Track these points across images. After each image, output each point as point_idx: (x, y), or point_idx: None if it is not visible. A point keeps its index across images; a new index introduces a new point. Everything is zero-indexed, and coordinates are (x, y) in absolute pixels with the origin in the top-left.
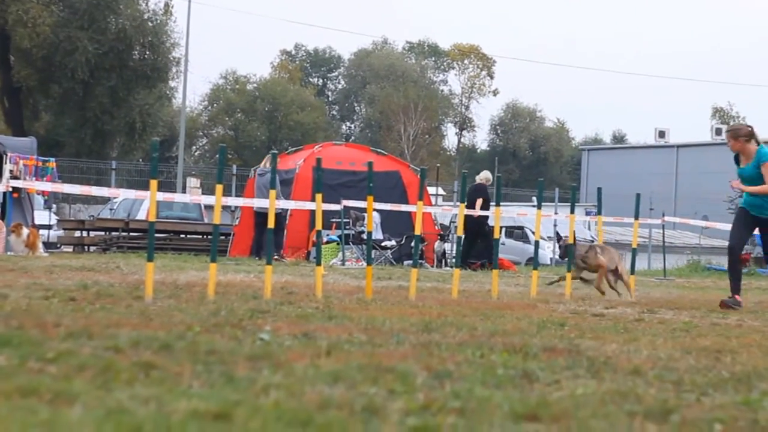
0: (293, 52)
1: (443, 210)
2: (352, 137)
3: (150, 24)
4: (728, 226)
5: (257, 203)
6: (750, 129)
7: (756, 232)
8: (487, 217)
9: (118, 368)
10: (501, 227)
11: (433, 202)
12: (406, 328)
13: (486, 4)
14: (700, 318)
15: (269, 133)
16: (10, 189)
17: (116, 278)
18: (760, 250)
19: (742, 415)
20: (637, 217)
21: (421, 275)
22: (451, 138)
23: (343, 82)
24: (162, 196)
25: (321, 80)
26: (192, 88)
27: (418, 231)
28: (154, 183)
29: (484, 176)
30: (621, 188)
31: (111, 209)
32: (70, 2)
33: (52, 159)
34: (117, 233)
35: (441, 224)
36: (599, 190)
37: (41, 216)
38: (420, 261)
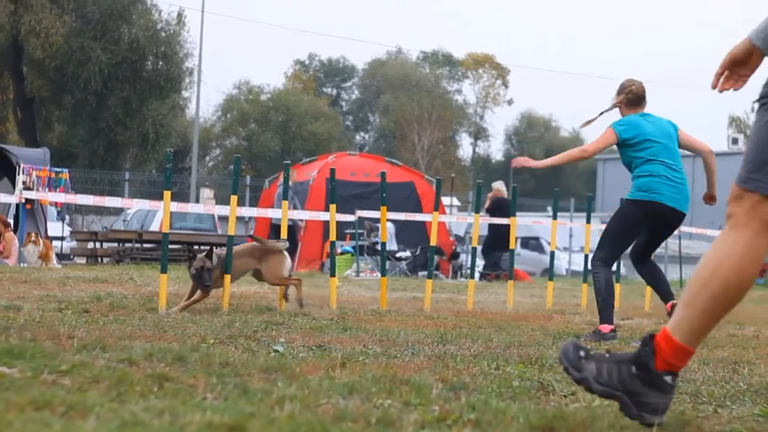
0: (307, 62)
1: (458, 220)
2: (366, 147)
3: (163, 34)
4: None
5: (271, 213)
6: (635, 88)
7: None
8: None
9: (132, 380)
10: (516, 238)
11: (448, 213)
12: (421, 340)
13: (500, 13)
14: (716, 329)
15: (283, 143)
16: (23, 200)
17: (130, 290)
18: None
19: (760, 427)
20: None
21: (435, 286)
22: (465, 148)
23: (357, 92)
24: (175, 206)
25: (335, 90)
26: (205, 99)
27: (433, 242)
28: (167, 194)
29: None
30: None
31: (124, 220)
32: (83, 12)
33: (65, 170)
34: (130, 245)
35: (456, 235)
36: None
37: (54, 227)
38: (435, 272)
